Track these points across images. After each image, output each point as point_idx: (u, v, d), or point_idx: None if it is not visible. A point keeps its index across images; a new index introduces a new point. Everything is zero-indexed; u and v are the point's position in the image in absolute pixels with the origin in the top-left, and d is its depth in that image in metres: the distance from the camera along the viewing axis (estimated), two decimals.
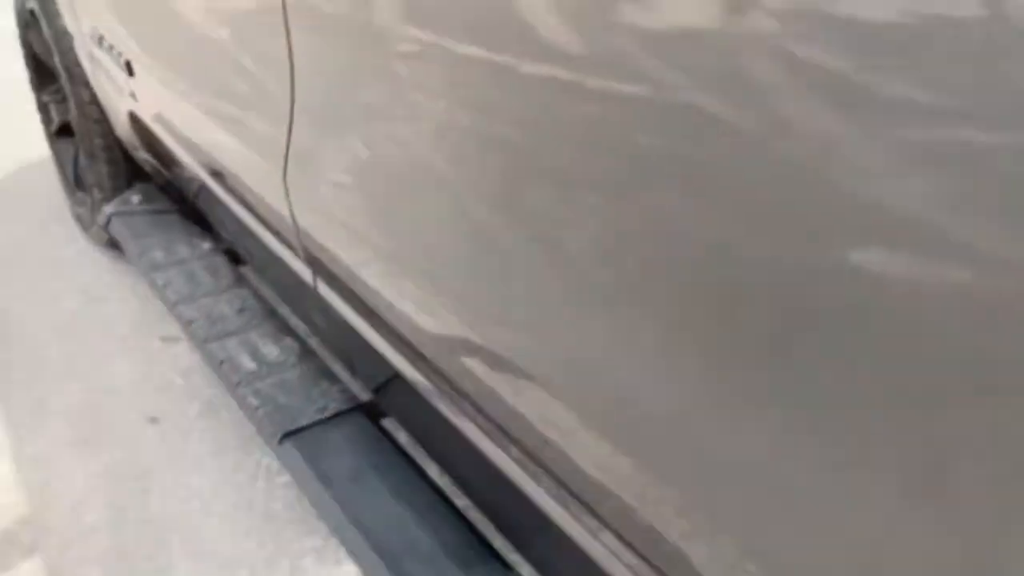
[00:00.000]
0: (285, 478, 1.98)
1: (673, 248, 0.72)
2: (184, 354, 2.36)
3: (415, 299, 1.13)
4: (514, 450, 1.02)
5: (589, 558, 0.95)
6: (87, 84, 2.36)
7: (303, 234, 1.37)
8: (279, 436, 1.48)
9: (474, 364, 1.03)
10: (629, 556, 0.89)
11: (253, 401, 1.54)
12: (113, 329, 2.45)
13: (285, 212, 1.39)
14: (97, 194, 2.50)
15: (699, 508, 0.78)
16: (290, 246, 1.45)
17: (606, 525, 0.91)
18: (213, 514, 1.88)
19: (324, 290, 1.38)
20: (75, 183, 2.85)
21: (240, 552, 1.80)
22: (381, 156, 1.11)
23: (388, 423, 1.63)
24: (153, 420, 2.13)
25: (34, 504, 1.89)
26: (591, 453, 0.89)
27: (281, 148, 1.32)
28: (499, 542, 1.36)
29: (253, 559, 1.78)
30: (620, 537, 0.90)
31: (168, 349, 2.38)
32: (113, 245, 2.72)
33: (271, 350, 1.68)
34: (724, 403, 0.71)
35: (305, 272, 1.43)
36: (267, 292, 2.05)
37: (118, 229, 2.16)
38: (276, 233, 1.49)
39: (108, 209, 2.24)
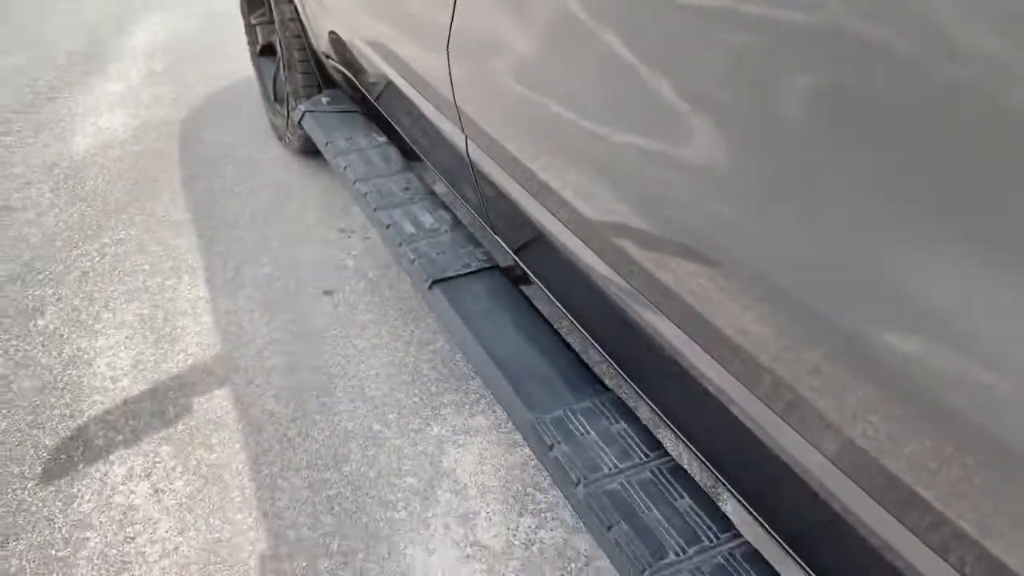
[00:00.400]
0: (433, 346, 2.25)
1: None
2: (357, 243, 2.67)
3: (571, 180, 1.29)
4: (634, 294, 1.19)
5: (676, 372, 1.12)
6: (290, 1, 2.68)
7: (461, 109, 1.60)
8: (429, 283, 1.72)
9: (621, 238, 1.18)
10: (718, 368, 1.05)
11: (410, 255, 1.79)
12: (299, 220, 2.79)
13: (447, 88, 1.62)
14: (293, 103, 2.84)
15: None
16: (449, 119, 1.68)
17: (698, 341, 1.07)
18: (372, 368, 2.17)
19: (475, 153, 1.61)
20: (274, 97, 3.22)
21: (391, 399, 2.08)
22: (536, 44, 1.30)
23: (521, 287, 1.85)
24: (327, 292, 2.45)
25: (227, 348, 2.24)
26: (715, 305, 1.03)
27: (445, 31, 1.55)
28: (599, 371, 1.56)
29: (401, 405, 2.06)
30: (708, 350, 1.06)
31: (344, 239, 2.70)
32: (304, 152, 3.09)
33: (428, 219, 1.93)
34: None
35: (460, 139, 1.65)
36: (429, 177, 2.31)
37: (309, 124, 2.48)
38: (437, 107, 1.73)
39: (302, 107, 2.56)
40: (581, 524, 1.77)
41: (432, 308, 1.73)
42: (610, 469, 1.25)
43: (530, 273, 1.65)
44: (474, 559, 1.70)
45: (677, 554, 1.11)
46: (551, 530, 1.76)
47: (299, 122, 2.53)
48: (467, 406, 2.06)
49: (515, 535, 1.75)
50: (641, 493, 1.20)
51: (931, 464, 0.78)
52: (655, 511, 1.17)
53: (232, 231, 2.72)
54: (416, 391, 2.10)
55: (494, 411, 2.05)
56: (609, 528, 1.15)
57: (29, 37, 4.24)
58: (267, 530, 1.75)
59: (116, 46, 4.18)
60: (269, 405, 2.05)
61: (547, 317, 1.68)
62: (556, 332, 1.61)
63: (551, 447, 1.30)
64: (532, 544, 1.73)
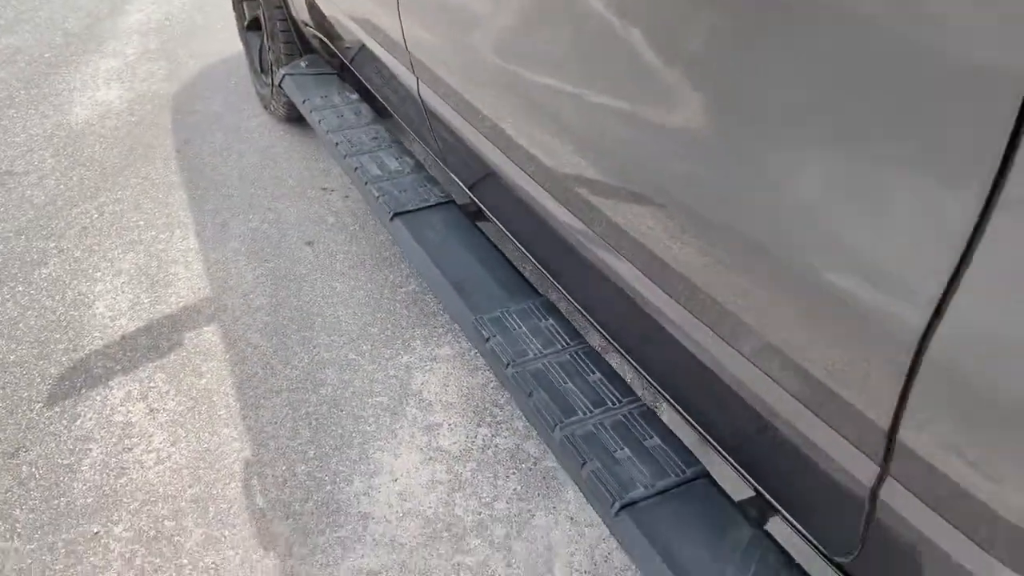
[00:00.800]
0: (405, 288, 2.44)
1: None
2: (337, 200, 2.87)
3: (508, 113, 1.46)
4: (570, 218, 1.36)
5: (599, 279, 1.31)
6: None
7: (412, 54, 1.79)
8: (391, 215, 1.92)
9: (559, 168, 1.33)
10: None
11: (375, 192, 1.99)
12: (284, 180, 2.99)
13: (399, 37, 1.82)
14: (277, 71, 3.03)
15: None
16: (403, 64, 1.88)
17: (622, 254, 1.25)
18: (348, 307, 2.37)
19: (425, 93, 1.81)
20: (260, 69, 3.41)
21: (365, 333, 2.28)
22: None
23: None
24: (309, 243, 2.65)
25: (215, 291, 2.44)
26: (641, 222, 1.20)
27: None
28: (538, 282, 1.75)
29: (375, 338, 2.26)
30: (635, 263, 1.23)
31: (324, 196, 2.89)
32: (288, 120, 3.28)
33: (393, 163, 2.13)
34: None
35: (412, 82, 1.85)
36: (396, 129, 2.50)
37: (288, 85, 2.67)
38: (394, 56, 1.92)
39: (282, 71, 2.76)
40: (533, 432, 1.97)
41: (394, 237, 1.93)
42: (535, 354, 1.45)
43: (478, 202, 1.85)
44: (435, 461, 1.90)
45: (584, 413, 1.31)
46: (505, 438, 1.97)
47: (279, 84, 2.72)
48: (434, 338, 2.26)
49: (473, 442, 1.95)
50: (560, 371, 1.40)
51: (775, 308, 0.95)
52: (569, 383, 1.37)
53: (221, 190, 2.92)
54: (389, 326, 2.30)
55: (459, 342, 2.25)
56: (530, 395, 1.35)
57: (27, 18, 4.43)
58: (251, 441, 1.95)
59: (111, 25, 4.37)
60: (254, 339, 2.25)
61: (495, 242, 1.89)
62: (501, 252, 1.81)
63: (487, 339, 1.51)
64: (488, 449, 1.94)
